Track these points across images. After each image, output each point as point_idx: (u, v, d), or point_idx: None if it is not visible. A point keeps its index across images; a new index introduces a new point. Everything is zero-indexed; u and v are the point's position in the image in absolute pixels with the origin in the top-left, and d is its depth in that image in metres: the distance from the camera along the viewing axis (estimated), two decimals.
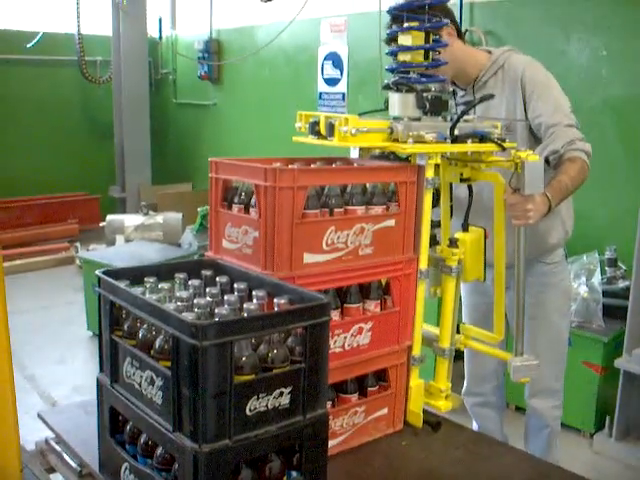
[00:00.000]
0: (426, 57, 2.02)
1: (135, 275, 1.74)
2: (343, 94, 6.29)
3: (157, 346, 1.51)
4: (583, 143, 2.41)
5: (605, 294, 3.84)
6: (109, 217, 6.63)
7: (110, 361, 1.65)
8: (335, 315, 1.86)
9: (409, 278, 2.01)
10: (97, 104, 8.63)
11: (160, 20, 8.70)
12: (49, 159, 8.34)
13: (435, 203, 2.10)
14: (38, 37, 7.93)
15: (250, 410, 1.41)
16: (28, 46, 7.89)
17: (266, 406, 1.43)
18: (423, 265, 2.01)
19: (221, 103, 7.95)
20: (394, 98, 2.05)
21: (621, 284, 3.93)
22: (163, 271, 1.78)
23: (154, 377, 1.47)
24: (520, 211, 2.13)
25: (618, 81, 4.30)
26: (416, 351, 2.07)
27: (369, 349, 1.95)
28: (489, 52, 2.61)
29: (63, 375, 4.61)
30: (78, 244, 7.12)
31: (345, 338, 1.90)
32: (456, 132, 1.98)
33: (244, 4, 7.23)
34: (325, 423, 1.55)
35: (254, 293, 1.59)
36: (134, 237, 6.45)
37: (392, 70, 2.08)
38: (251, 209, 1.84)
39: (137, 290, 1.61)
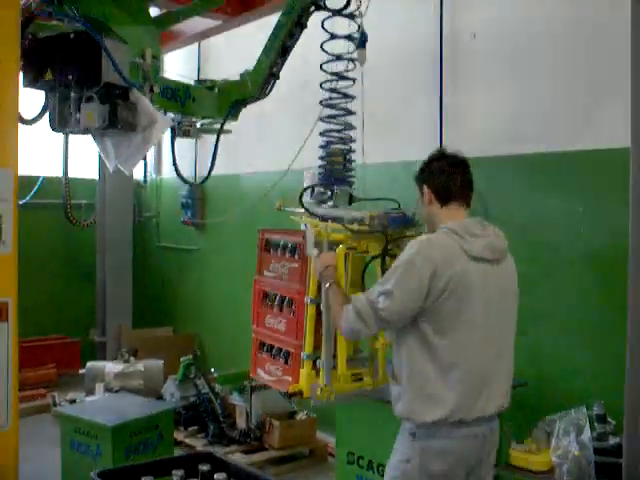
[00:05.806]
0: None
1: (131, 474, 1.70)
2: None
3: None
4: (365, 299, 2.76)
5: (595, 451, 3.78)
6: (89, 364, 6.55)
7: None
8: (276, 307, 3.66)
9: (301, 303, 3.44)
10: (79, 247, 8.67)
11: (145, 164, 8.92)
12: (28, 301, 8.20)
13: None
14: (39, 182, 7.87)
15: None
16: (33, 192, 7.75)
17: None
18: (311, 294, 3.37)
19: (204, 248, 8.00)
20: None
21: (611, 441, 3.88)
22: (159, 467, 1.75)
23: None
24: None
25: (597, 235, 4.43)
26: (307, 350, 3.33)
27: (284, 334, 3.58)
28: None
29: None
30: (55, 394, 6.90)
31: (272, 321, 3.68)
32: (334, 214, 3.48)
33: (229, 153, 7.44)
34: None
35: None
36: (114, 385, 6.34)
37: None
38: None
39: None
